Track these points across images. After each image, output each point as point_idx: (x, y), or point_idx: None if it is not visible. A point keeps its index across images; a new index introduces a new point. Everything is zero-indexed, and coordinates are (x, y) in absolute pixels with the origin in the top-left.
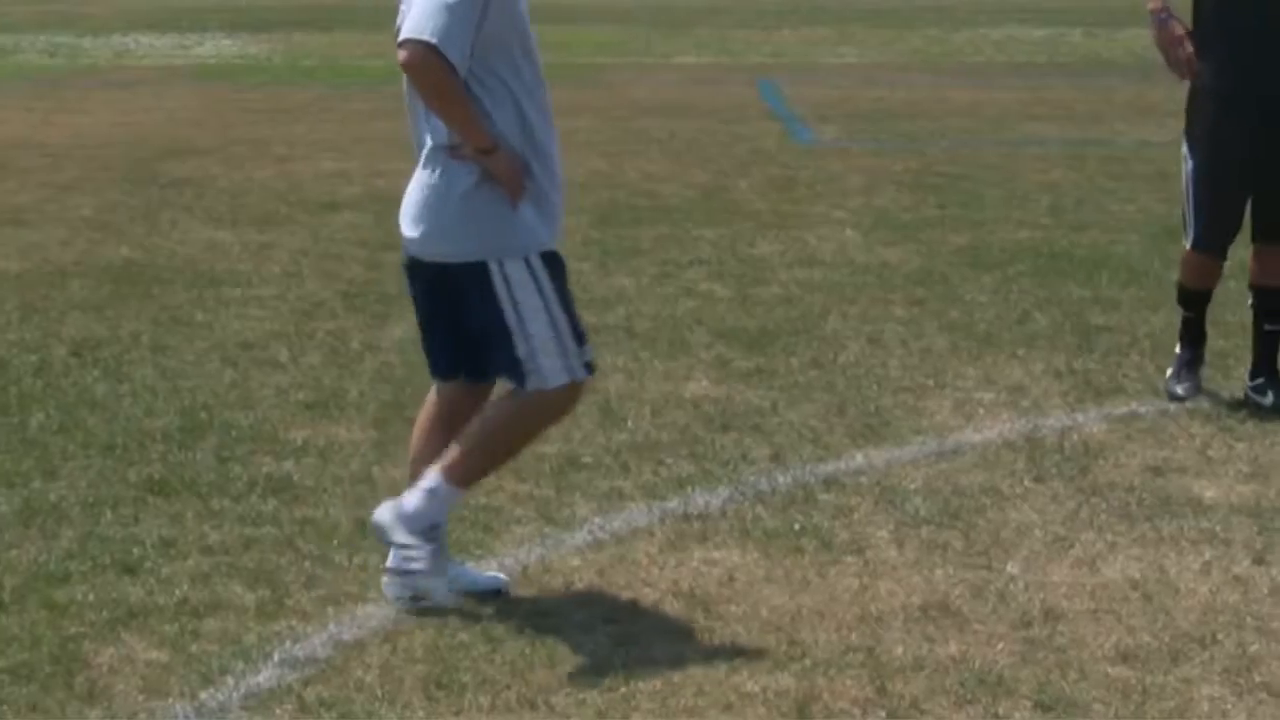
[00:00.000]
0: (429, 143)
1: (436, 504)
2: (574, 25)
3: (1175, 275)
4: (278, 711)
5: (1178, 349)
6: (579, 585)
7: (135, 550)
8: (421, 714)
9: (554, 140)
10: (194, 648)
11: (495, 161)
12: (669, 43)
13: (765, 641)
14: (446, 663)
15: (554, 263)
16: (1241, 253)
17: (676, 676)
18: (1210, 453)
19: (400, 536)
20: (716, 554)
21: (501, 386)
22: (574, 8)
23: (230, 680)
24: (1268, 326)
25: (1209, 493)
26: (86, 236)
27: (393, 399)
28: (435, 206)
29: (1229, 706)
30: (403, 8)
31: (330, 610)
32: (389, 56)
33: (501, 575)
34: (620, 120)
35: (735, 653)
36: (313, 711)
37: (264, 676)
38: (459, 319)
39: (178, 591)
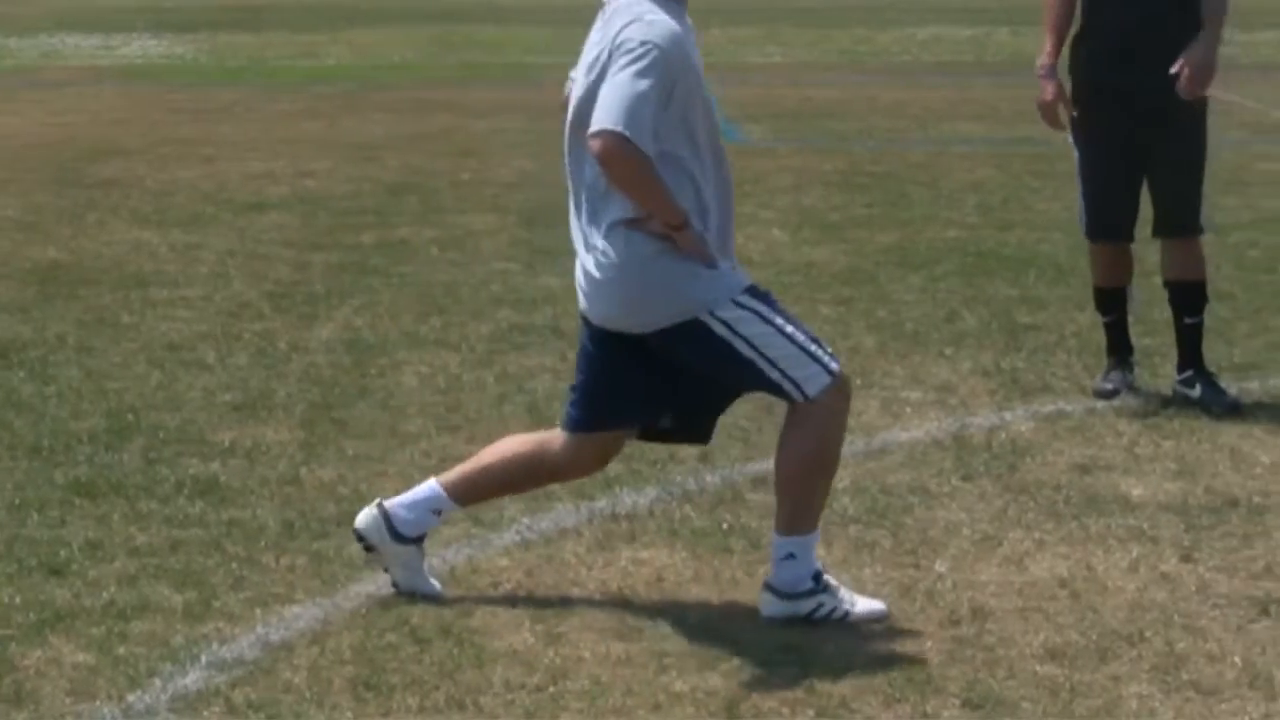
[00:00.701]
0: (608, 218)
1: (804, 561)
2: (505, 25)
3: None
4: (205, 714)
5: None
6: (507, 585)
7: (62, 552)
8: (350, 715)
9: (731, 218)
10: (121, 650)
11: (685, 236)
12: None
13: (694, 641)
14: (375, 664)
15: (758, 291)
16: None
17: (605, 676)
18: (1138, 450)
19: (804, 610)
20: (644, 554)
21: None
22: (505, 8)
23: (158, 682)
24: (1187, 320)
25: (1136, 490)
26: (11, 237)
27: (320, 400)
28: (628, 280)
29: (1156, 704)
30: (574, 75)
31: (258, 612)
32: (317, 56)
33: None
34: (548, 120)
35: (664, 652)
36: (240, 713)
37: (192, 678)
38: (678, 372)
39: (105, 594)
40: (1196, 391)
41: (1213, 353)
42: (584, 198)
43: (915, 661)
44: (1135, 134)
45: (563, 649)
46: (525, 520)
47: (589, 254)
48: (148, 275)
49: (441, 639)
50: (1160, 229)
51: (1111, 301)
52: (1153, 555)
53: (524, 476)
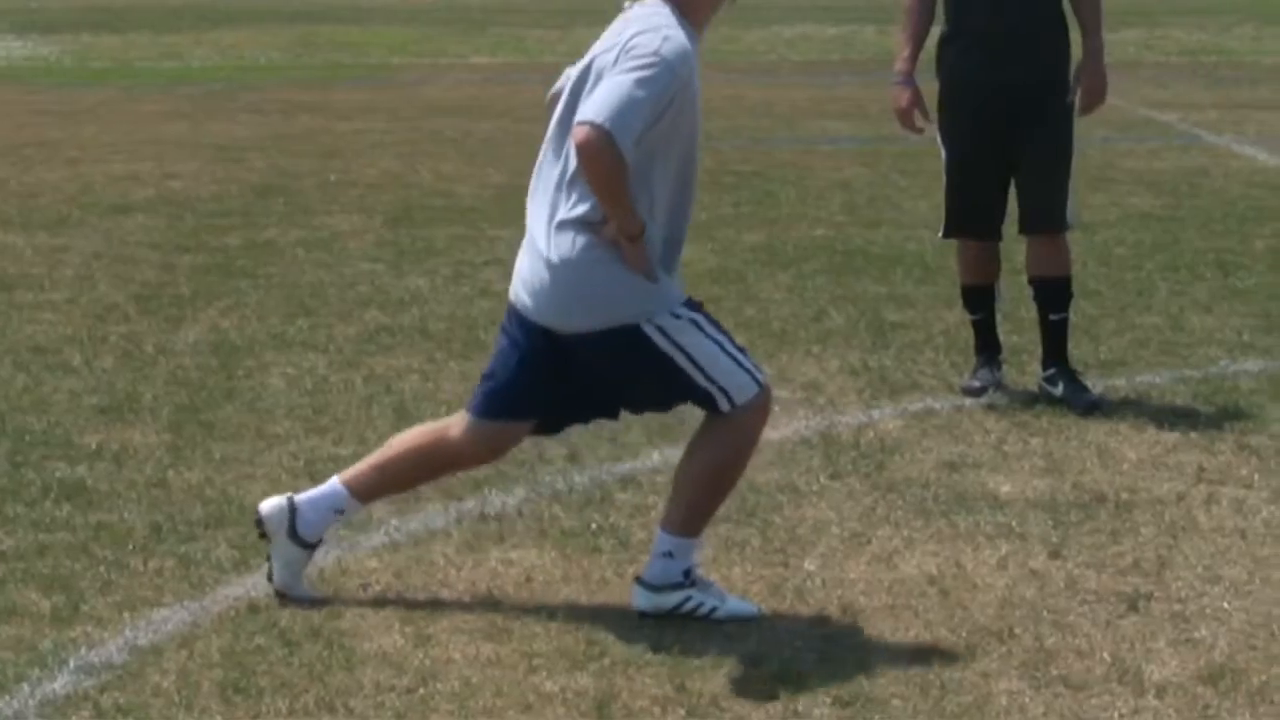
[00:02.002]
0: (564, 212)
1: (680, 561)
2: (367, 25)
3: None
4: (74, 719)
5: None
6: (376, 587)
7: None
8: (219, 719)
9: (682, 238)
10: None
11: (634, 250)
12: (463, 43)
13: (563, 641)
14: (244, 667)
15: (693, 302)
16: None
17: (475, 677)
18: (1005, 448)
19: (671, 602)
20: (514, 554)
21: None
22: (367, 8)
23: (26, 688)
24: (1052, 316)
25: (1005, 487)
26: None
27: (187, 402)
28: (570, 279)
29: (1026, 700)
30: (569, 71)
31: (126, 616)
32: (182, 58)
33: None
34: (414, 120)
35: (534, 653)
36: (109, 718)
37: (60, 683)
38: (633, 375)
39: None
40: (1060, 389)
41: (1079, 350)
42: (549, 191)
43: (785, 660)
44: (1004, 133)
45: (432, 650)
46: (394, 522)
47: (538, 247)
48: (12, 278)
49: (311, 641)
50: (1027, 226)
51: (979, 299)
52: (1021, 552)
53: (423, 467)
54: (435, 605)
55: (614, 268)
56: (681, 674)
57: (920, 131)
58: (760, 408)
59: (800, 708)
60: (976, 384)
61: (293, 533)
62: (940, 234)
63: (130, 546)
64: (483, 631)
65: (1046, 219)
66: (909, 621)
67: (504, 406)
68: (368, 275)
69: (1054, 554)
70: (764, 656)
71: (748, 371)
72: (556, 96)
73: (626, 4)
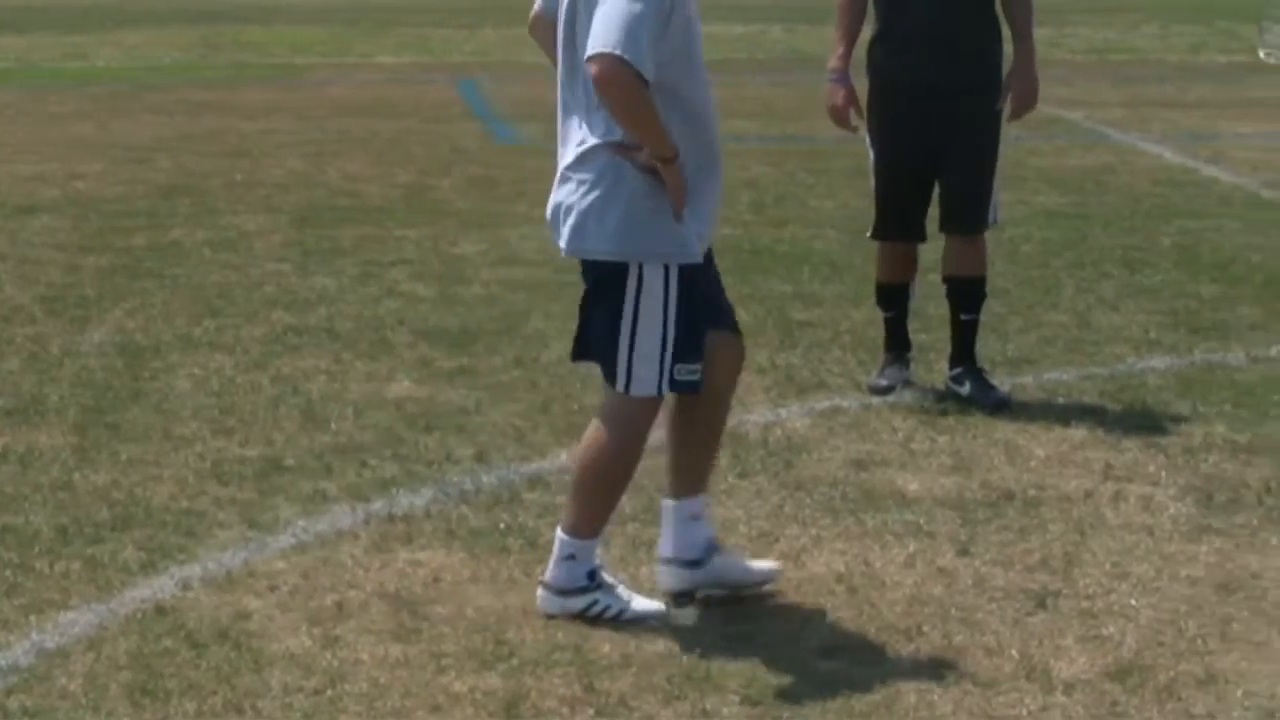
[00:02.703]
0: (590, 140)
1: (582, 562)
2: (272, 25)
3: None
4: None
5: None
6: (284, 589)
7: None
8: None
9: (719, 150)
10: None
11: (672, 171)
12: (369, 42)
13: (472, 641)
14: (151, 669)
15: (690, 276)
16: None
17: (383, 678)
18: (913, 446)
19: (577, 606)
20: (422, 555)
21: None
22: (272, 8)
23: None
24: (963, 316)
25: (912, 485)
26: None
27: (93, 404)
28: (597, 205)
29: (935, 698)
30: (544, 3)
31: (32, 618)
32: (87, 58)
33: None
34: (320, 120)
35: (442, 653)
36: None
37: None
38: (592, 308)
39: None
40: (966, 389)
41: (986, 348)
42: (576, 117)
43: (694, 659)
44: (932, 134)
45: (340, 651)
46: (301, 523)
47: (564, 172)
48: None
49: (218, 643)
50: (948, 226)
51: (894, 297)
52: (929, 550)
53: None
54: (343, 606)
55: (635, 197)
56: (590, 673)
57: (855, 130)
58: (649, 406)
59: (709, 706)
60: (884, 382)
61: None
62: (870, 234)
63: (36, 549)
64: (391, 632)
65: (969, 219)
66: (817, 620)
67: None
68: (274, 275)
69: (962, 552)
70: (672, 655)
71: (660, 371)
72: (539, 20)
73: None
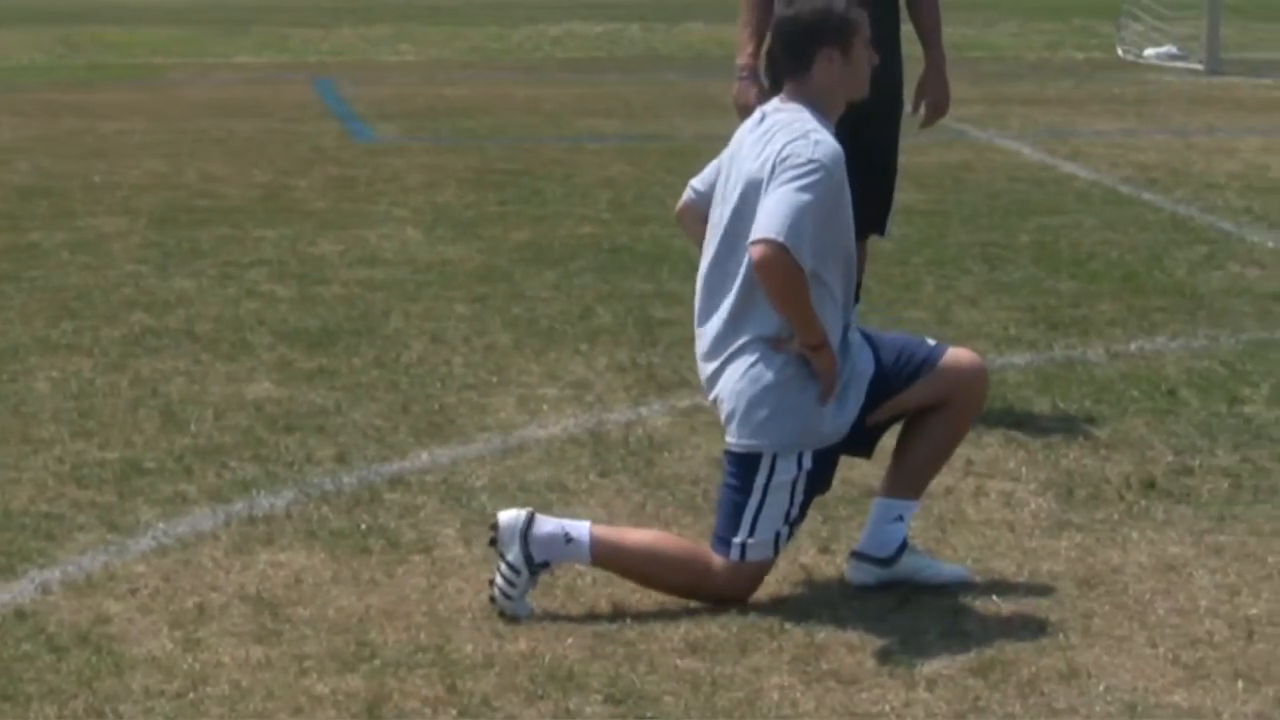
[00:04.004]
0: (749, 330)
1: (566, 550)
2: (129, 25)
3: None
4: None
5: None
6: (144, 591)
7: None
8: None
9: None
10: None
11: (822, 357)
12: (227, 42)
13: (334, 643)
14: (11, 673)
15: (824, 457)
16: None
17: (245, 680)
18: None
19: (512, 555)
20: (283, 556)
21: None
22: (128, 8)
23: None
24: None
25: None
26: None
27: None
28: (749, 397)
29: (798, 695)
30: (695, 185)
31: None
32: None
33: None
34: (178, 121)
35: (304, 655)
36: None
37: None
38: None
39: None
40: None
41: None
42: (731, 303)
43: (557, 658)
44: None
45: (202, 654)
46: (161, 525)
47: (714, 363)
48: None
49: (79, 647)
50: (860, 229)
51: None
52: (792, 547)
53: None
54: (204, 609)
55: (784, 393)
56: (452, 674)
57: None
58: (751, 577)
59: (572, 706)
60: None
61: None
62: None
63: None
64: (252, 634)
65: (872, 225)
66: (679, 618)
67: None
68: (133, 277)
69: (824, 549)
70: (535, 655)
71: (776, 543)
72: (690, 209)
73: (759, 110)
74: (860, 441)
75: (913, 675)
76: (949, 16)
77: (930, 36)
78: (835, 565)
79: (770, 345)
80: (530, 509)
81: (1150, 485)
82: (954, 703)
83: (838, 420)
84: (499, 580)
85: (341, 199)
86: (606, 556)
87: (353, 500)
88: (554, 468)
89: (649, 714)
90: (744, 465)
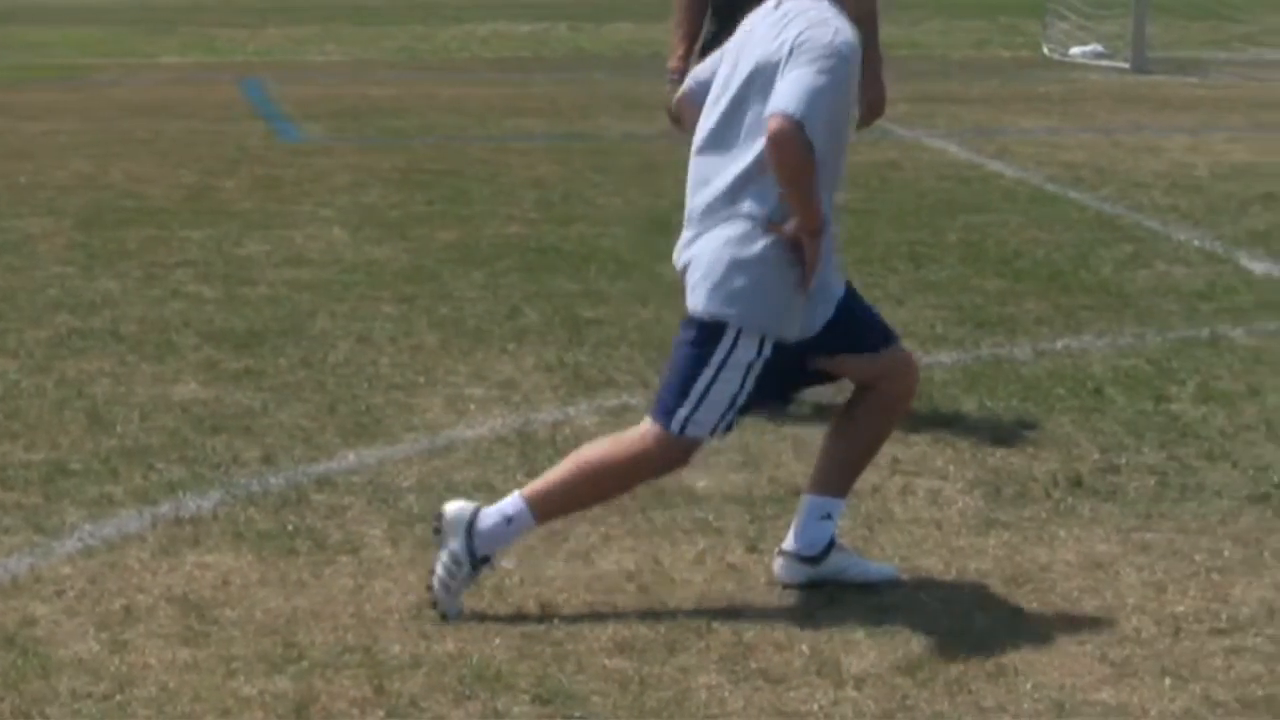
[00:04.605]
0: (745, 205)
1: (508, 531)
2: (53, 25)
3: (664, 267)
4: None
5: None
6: (71, 593)
7: None
8: None
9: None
10: None
11: (814, 245)
12: (153, 42)
13: (261, 644)
14: None
15: (782, 352)
16: None
17: (172, 682)
18: None
19: (454, 545)
20: (210, 558)
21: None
22: (52, 8)
23: None
24: None
25: (701, 483)
26: None
27: None
28: (727, 267)
29: (726, 694)
30: (695, 73)
31: None
32: None
33: (891, 568)
34: (104, 121)
35: (231, 657)
36: None
37: None
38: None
39: None
40: None
41: None
42: (730, 178)
43: (484, 658)
44: None
45: (129, 656)
46: (88, 527)
47: (697, 227)
48: None
49: (4, 650)
50: None
51: None
52: (719, 546)
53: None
54: (131, 610)
55: (771, 271)
56: (380, 675)
57: (691, 132)
58: (677, 449)
59: (500, 706)
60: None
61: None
62: None
63: None
64: (179, 636)
65: None
66: (608, 618)
67: None
68: (58, 278)
69: (751, 548)
70: (463, 655)
71: (716, 424)
72: (688, 99)
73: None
74: (790, 378)
75: (840, 674)
76: None
77: (868, 39)
78: (763, 564)
79: (760, 224)
80: (477, 504)
81: (1077, 483)
82: (882, 701)
83: (807, 319)
84: (440, 570)
85: (268, 199)
86: (547, 508)
87: (280, 501)
88: (481, 468)
89: (577, 714)
90: (706, 334)
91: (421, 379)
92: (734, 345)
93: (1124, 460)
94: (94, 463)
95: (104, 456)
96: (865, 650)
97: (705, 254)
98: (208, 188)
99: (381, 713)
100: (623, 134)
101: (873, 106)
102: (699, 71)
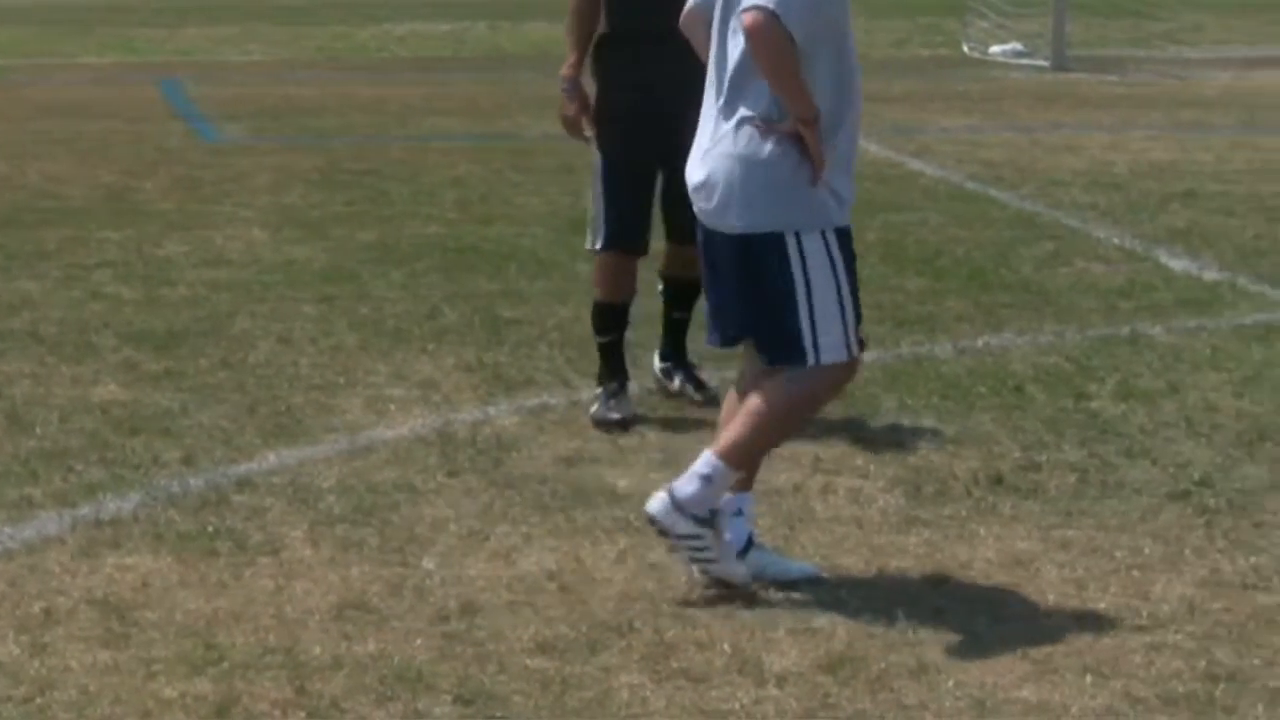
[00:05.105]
0: (741, 111)
1: (714, 490)
2: None
3: (583, 266)
4: None
5: (600, 387)
6: None
7: None
8: None
9: (858, 129)
10: None
11: (812, 133)
12: (71, 42)
13: (182, 646)
14: None
15: (846, 239)
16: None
17: (93, 685)
18: (622, 442)
19: (681, 528)
20: (130, 560)
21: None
22: None
23: None
24: (676, 314)
25: (622, 482)
26: None
27: None
28: (739, 176)
29: (648, 693)
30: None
31: None
32: None
33: (812, 567)
34: (21, 122)
35: (152, 659)
36: None
37: None
38: (752, 287)
39: None
40: (676, 383)
41: (695, 342)
42: (722, 93)
43: (406, 659)
44: (660, 140)
45: (49, 659)
46: (7, 530)
47: (703, 147)
48: None
49: None
50: (677, 237)
51: (614, 319)
52: (640, 546)
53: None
54: (51, 613)
55: (782, 169)
56: (301, 676)
57: (587, 140)
58: (843, 370)
59: (421, 706)
60: (616, 415)
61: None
62: (596, 246)
63: None
64: (100, 639)
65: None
66: (529, 618)
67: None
68: None
69: (672, 548)
70: (384, 655)
71: (846, 336)
72: (694, 15)
73: None
74: None
75: (762, 672)
76: None
77: None
78: (684, 564)
79: (760, 126)
80: (666, 487)
81: (998, 481)
82: (804, 700)
83: (839, 203)
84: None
85: (187, 200)
86: (739, 459)
87: (200, 502)
88: (401, 468)
89: (499, 714)
90: (767, 250)
91: (341, 379)
92: (801, 248)
93: (1044, 458)
94: (13, 465)
95: (23, 458)
96: (787, 649)
97: (717, 172)
98: (127, 188)
99: (303, 714)
100: (542, 134)
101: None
102: None
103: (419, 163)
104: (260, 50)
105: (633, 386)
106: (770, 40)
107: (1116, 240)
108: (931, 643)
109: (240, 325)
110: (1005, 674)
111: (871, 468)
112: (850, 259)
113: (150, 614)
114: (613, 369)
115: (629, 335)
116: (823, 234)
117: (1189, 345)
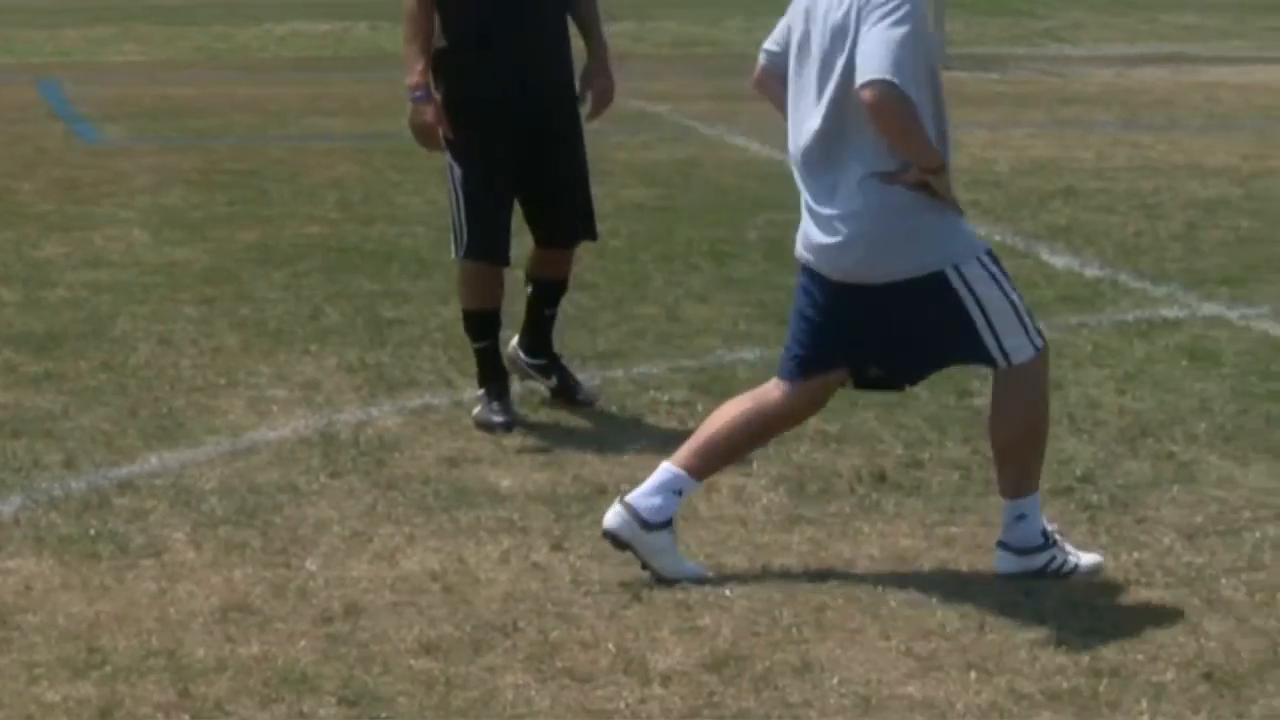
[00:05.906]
0: (855, 169)
1: (1033, 519)
2: None
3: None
4: None
5: (481, 389)
6: None
7: None
8: None
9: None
10: None
11: (942, 180)
12: None
13: (64, 650)
14: None
15: (994, 253)
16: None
17: None
18: (505, 442)
19: (1038, 563)
20: (11, 563)
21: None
22: None
23: None
24: (547, 311)
25: (505, 482)
26: None
27: None
28: (881, 231)
29: (533, 693)
30: (769, 47)
31: None
32: None
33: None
34: None
35: (34, 663)
36: None
37: None
38: (924, 326)
39: None
40: (554, 382)
41: (577, 342)
42: (839, 154)
43: (290, 661)
44: (521, 146)
45: None
46: None
47: (829, 209)
48: None
49: None
50: (562, 240)
51: (487, 325)
52: (524, 546)
53: (748, 435)
54: None
55: (921, 214)
56: (184, 679)
57: (443, 149)
58: (1036, 371)
59: (305, 708)
60: (501, 419)
61: (644, 524)
62: (460, 255)
63: None
64: None
65: (583, 232)
66: (413, 618)
67: (815, 364)
68: None
69: (556, 547)
70: (268, 657)
71: (1027, 331)
72: (768, 73)
73: None
74: None
75: (647, 672)
76: (674, 12)
77: (592, 27)
78: (568, 563)
79: (884, 180)
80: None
81: (881, 478)
82: (688, 699)
83: (974, 231)
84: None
85: (66, 201)
86: (1030, 484)
87: (81, 505)
88: (284, 469)
89: (383, 715)
90: (935, 287)
91: (223, 380)
92: (963, 277)
93: (927, 455)
94: None
95: None
96: (671, 648)
97: (853, 232)
98: (4, 190)
99: (186, 717)
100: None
101: (602, 96)
102: (770, 43)
103: (300, 163)
104: (139, 51)
105: (514, 387)
106: (896, 110)
107: (998, 237)
108: (816, 640)
109: (121, 327)
110: (890, 671)
111: (755, 466)
112: (1002, 265)
113: (32, 617)
114: (491, 373)
115: (504, 335)
116: (979, 259)
117: (1071, 342)
